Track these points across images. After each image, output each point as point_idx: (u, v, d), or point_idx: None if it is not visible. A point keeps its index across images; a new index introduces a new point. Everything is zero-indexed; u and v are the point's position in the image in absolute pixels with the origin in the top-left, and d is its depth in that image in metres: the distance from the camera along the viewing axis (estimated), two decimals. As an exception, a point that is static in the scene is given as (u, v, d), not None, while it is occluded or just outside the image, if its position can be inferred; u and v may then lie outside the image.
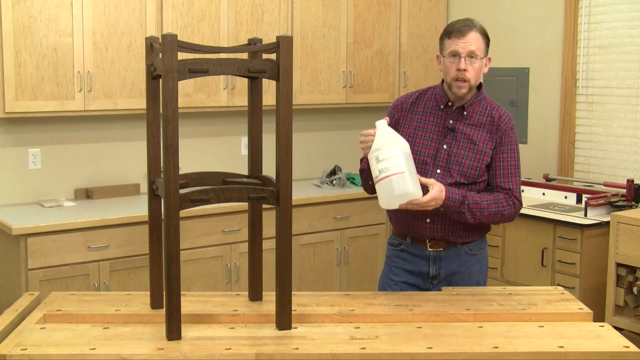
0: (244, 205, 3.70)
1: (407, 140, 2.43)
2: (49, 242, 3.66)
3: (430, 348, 2.07)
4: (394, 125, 2.63)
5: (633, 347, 2.12)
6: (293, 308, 2.22)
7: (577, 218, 3.96)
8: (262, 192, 2.17)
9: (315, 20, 4.70)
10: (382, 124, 2.41)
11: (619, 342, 2.15)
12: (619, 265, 3.70)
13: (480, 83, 2.67)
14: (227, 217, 4.16)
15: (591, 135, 4.55)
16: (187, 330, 2.15)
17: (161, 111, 2.09)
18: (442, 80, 2.67)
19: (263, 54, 2.31)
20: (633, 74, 4.31)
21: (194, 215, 3.99)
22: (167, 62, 2.01)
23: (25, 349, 2.02)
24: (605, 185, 4.28)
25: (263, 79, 2.29)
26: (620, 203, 4.01)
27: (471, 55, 2.55)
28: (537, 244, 4.06)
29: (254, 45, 2.29)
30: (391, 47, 5.05)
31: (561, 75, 4.66)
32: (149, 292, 2.36)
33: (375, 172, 2.37)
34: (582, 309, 2.39)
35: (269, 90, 3.91)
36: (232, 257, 4.22)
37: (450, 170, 2.61)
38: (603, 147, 4.49)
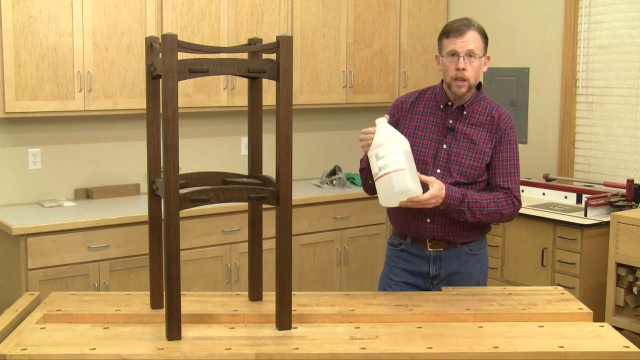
0: (244, 205, 3.70)
1: (407, 140, 2.43)
2: (49, 242, 3.66)
3: (430, 348, 2.08)
4: (394, 125, 2.63)
5: (633, 347, 2.12)
6: (293, 308, 2.22)
7: (577, 218, 3.96)
8: (262, 192, 2.17)
9: (315, 20, 4.70)
10: (382, 122, 2.41)
11: (619, 342, 2.15)
12: (619, 265, 3.70)
13: (480, 82, 2.67)
14: (227, 217, 4.16)
15: (591, 135, 4.55)
16: (187, 330, 2.15)
17: (161, 111, 2.09)
18: (442, 80, 2.67)
19: (263, 54, 2.31)
20: (633, 74, 4.31)
21: (194, 215, 3.99)
22: (167, 62, 2.01)
23: (25, 349, 2.02)
24: (605, 185, 4.28)
25: (263, 79, 2.29)
26: (620, 203, 4.01)
27: (470, 54, 2.55)
28: (537, 244, 4.06)
29: (254, 45, 2.29)
30: (391, 47, 5.05)
31: (561, 75, 4.66)
32: (149, 292, 2.36)
33: (375, 170, 2.37)
34: (582, 309, 2.39)
35: (269, 90, 3.91)
36: (232, 257, 4.22)
37: (450, 170, 2.61)
38: (603, 147, 4.49)
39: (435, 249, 2.67)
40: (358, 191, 4.58)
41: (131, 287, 3.88)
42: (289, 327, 2.20)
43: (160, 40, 2.09)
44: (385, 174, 2.33)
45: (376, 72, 5.00)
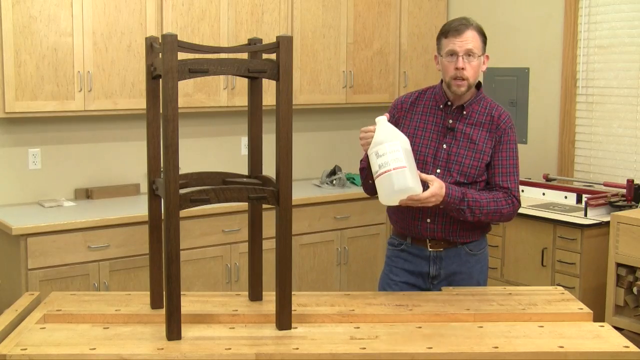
0: (244, 205, 3.71)
1: (407, 138, 2.43)
2: (49, 242, 3.66)
3: (430, 348, 2.08)
4: (394, 124, 2.62)
5: (633, 347, 2.12)
6: (293, 308, 2.22)
7: (577, 218, 3.96)
8: (262, 192, 2.17)
9: (315, 20, 4.70)
10: (382, 120, 2.41)
11: (619, 342, 2.15)
12: (619, 265, 3.70)
13: (480, 82, 2.67)
14: (227, 217, 4.16)
15: (591, 135, 4.55)
16: (187, 330, 2.15)
17: (161, 111, 2.09)
18: (442, 80, 2.67)
19: (263, 54, 2.31)
20: (633, 74, 4.31)
21: (194, 215, 3.99)
22: (167, 62, 2.01)
23: (25, 349, 2.02)
24: (605, 185, 4.28)
25: (263, 79, 2.29)
26: (620, 203, 4.01)
27: (469, 53, 2.55)
28: (537, 244, 4.06)
29: (254, 45, 2.29)
30: (391, 47, 5.05)
31: (561, 75, 4.66)
32: (149, 292, 2.36)
33: (375, 168, 2.36)
34: (582, 309, 2.39)
35: (269, 90, 3.91)
36: (232, 257, 4.22)
37: (450, 170, 2.61)
38: (603, 147, 4.49)
39: (436, 249, 2.67)
40: (358, 191, 4.58)
41: (131, 287, 3.88)
42: (289, 327, 2.20)
43: (160, 40, 2.09)
44: (385, 172, 2.32)
45: (376, 72, 5.00)
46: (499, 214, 2.60)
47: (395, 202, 2.40)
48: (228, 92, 4.39)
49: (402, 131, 2.60)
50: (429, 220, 2.64)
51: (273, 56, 2.19)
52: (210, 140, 4.73)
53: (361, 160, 2.70)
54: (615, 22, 4.39)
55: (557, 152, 4.70)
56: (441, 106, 2.67)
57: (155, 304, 2.34)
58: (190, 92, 4.26)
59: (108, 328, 2.20)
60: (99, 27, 3.94)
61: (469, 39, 2.55)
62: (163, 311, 2.23)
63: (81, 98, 3.93)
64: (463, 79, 2.56)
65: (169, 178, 2.05)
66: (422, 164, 2.60)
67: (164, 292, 2.15)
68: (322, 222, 4.56)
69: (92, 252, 3.78)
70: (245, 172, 2.45)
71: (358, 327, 2.23)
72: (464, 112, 2.65)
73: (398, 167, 2.31)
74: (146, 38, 2.26)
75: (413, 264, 2.71)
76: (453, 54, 2.56)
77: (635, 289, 3.64)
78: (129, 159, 4.43)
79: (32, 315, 2.28)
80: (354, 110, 5.23)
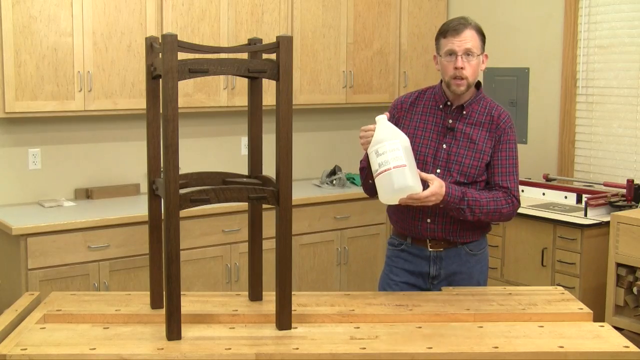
0: (244, 205, 3.70)
1: (407, 137, 2.43)
2: (49, 242, 3.66)
3: (430, 348, 2.07)
4: (394, 124, 2.62)
5: (633, 347, 2.12)
6: (293, 308, 2.22)
7: (577, 218, 3.96)
8: (262, 192, 2.17)
9: (315, 20, 4.70)
10: (382, 119, 2.41)
11: (619, 342, 2.15)
12: (619, 265, 3.70)
13: (479, 82, 2.67)
14: (227, 217, 4.16)
15: (591, 135, 4.55)
16: (187, 330, 2.15)
17: (161, 111, 2.09)
18: (441, 80, 2.67)
19: (263, 54, 2.31)
20: (633, 74, 4.31)
21: (194, 215, 3.99)
22: (167, 62, 2.01)
23: (25, 349, 2.02)
24: (605, 185, 4.28)
25: (263, 79, 2.29)
26: (620, 203, 4.01)
27: (468, 52, 2.55)
28: (537, 244, 4.06)
29: (254, 45, 2.29)
30: (391, 47, 5.05)
31: (561, 75, 4.66)
32: (149, 292, 2.36)
33: (374, 166, 2.36)
34: (582, 309, 2.39)
35: (269, 90, 3.91)
36: (232, 257, 4.22)
37: (450, 170, 2.61)
38: (603, 147, 4.49)
39: (436, 249, 2.67)
40: (358, 191, 4.58)
41: (131, 287, 3.88)
42: (289, 327, 2.20)
43: (160, 40, 2.09)
44: (385, 171, 2.32)
45: (376, 72, 5.00)
46: (499, 214, 2.60)
47: (395, 201, 2.40)
48: (228, 92, 4.39)
49: (402, 131, 2.60)
50: (429, 220, 2.64)
51: (273, 56, 2.19)
52: (210, 140, 4.73)
53: (361, 160, 2.70)
54: (615, 22, 4.39)
55: (557, 152, 4.70)
56: (441, 106, 2.67)
57: (155, 304, 2.34)
58: (190, 92, 4.26)
59: (108, 328, 2.20)
60: (99, 27, 3.95)
61: (467, 39, 2.55)
62: (163, 311, 2.23)
63: (81, 98, 3.93)
64: (462, 79, 2.56)
65: (169, 178, 2.05)
66: (422, 164, 2.60)
67: (164, 292, 2.15)
68: (322, 222, 4.56)
69: (92, 252, 3.78)
70: (245, 172, 2.45)
71: (358, 327, 2.23)
72: (464, 112, 2.65)
73: (398, 166, 2.31)
74: (146, 38, 2.26)
75: (413, 264, 2.71)
76: (452, 53, 2.56)
77: (635, 289, 3.64)
78: (129, 159, 4.43)
79: (32, 315, 2.28)
80: (354, 110, 5.23)
